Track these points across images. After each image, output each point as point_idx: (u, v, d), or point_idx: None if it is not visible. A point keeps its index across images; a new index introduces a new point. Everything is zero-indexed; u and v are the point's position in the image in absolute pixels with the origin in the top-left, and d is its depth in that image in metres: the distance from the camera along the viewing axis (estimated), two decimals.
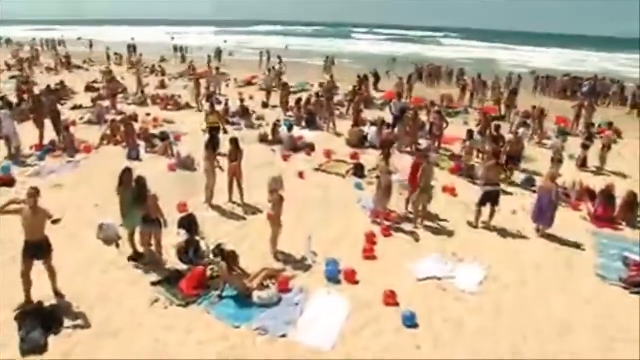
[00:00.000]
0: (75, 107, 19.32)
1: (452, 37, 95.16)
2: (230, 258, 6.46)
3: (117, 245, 7.95)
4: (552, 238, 9.09)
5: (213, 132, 13.43)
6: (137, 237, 7.59)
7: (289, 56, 41.77)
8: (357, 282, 7.18)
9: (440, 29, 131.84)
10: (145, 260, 7.44)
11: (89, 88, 23.98)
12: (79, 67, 34.29)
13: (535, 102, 20.54)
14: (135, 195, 7.15)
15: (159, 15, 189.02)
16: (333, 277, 7.19)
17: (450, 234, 9.09)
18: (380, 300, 6.72)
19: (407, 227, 9.24)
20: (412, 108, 18.70)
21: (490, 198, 9.21)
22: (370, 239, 8.42)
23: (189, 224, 8.30)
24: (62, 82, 23.07)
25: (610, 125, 13.55)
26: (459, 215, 9.88)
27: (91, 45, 47.45)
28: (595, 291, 7.40)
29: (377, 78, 27.66)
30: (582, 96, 25.43)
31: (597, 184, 12.07)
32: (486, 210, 9.39)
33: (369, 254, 7.93)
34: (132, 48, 43.47)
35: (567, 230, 9.39)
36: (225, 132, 14.02)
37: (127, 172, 7.42)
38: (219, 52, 39.95)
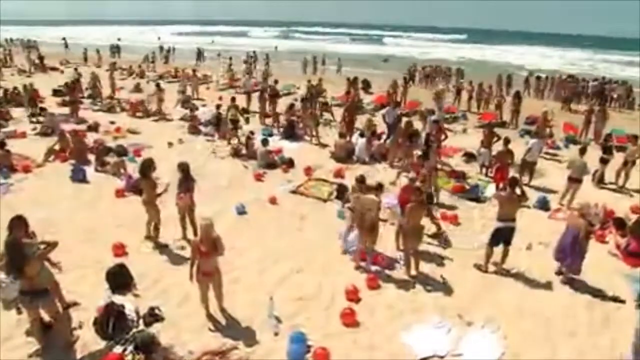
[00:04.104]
0: (33, 114, 17.32)
1: (444, 40, 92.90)
2: (150, 346, 4.59)
3: (19, 311, 6.05)
4: (579, 285, 7.27)
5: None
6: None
7: (278, 57, 39.99)
8: None
9: (433, 29, 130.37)
10: (48, 335, 5.53)
11: (56, 92, 22.08)
12: (54, 69, 32.43)
13: (537, 106, 18.89)
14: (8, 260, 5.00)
15: (150, 16, 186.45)
16: None
17: (452, 283, 7.16)
18: None
19: (398, 274, 7.36)
20: (406, 113, 17.02)
21: (503, 236, 7.37)
22: (352, 295, 6.55)
23: (118, 278, 6.43)
24: (24, 86, 21.00)
25: (636, 137, 11.71)
26: (462, 255, 8.04)
27: (66, 46, 45.47)
28: None
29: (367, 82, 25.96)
30: (586, 99, 23.86)
31: (619, 205, 10.40)
32: (497, 248, 7.59)
33: (349, 320, 6.03)
34: (115, 49, 41.70)
35: (595, 272, 7.57)
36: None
37: (18, 221, 5.43)
38: (200, 54, 38.24)
